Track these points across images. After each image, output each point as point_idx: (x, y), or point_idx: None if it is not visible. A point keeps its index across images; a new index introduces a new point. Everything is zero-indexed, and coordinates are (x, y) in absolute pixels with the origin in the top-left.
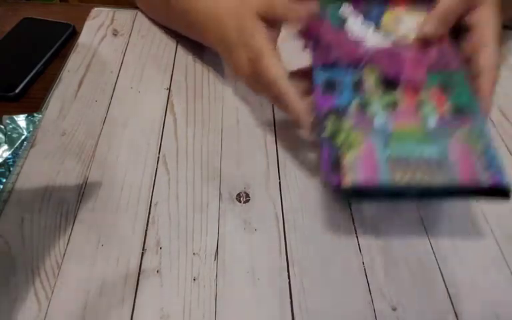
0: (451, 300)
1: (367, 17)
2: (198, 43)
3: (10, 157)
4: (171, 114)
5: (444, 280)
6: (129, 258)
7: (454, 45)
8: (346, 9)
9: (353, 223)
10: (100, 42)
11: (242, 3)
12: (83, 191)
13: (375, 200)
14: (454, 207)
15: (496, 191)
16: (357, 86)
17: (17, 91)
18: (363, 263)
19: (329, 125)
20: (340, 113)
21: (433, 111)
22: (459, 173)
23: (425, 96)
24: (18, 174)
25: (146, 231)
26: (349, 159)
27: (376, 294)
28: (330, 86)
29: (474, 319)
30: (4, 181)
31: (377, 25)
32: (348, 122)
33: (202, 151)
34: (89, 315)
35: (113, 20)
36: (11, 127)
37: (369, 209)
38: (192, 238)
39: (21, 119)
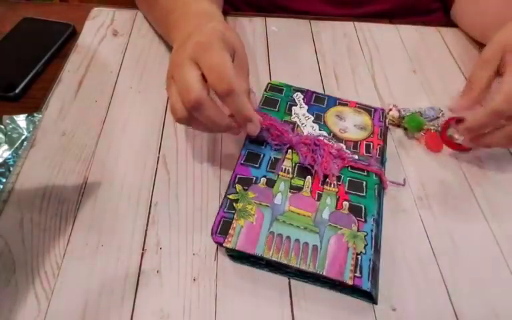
0: (450, 300)
1: (313, 107)
2: None
3: (10, 156)
4: (170, 114)
5: (444, 280)
6: (129, 258)
7: (382, 151)
8: (297, 96)
9: None
10: (100, 42)
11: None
12: (82, 191)
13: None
14: (453, 207)
15: (360, 291)
16: (274, 165)
17: (17, 91)
18: None
19: (236, 191)
20: (249, 183)
21: (331, 204)
22: (327, 266)
23: (331, 189)
24: (18, 174)
25: (146, 231)
26: (237, 225)
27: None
28: (251, 158)
29: (474, 319)
30: (4, 180)
31: (319, 118)
32: (251, 193)
33: (202, 150)
34: (89, 315)
35: (112, 20)
36: (10, 127)
37: None
38: (192, 238)
39: (21, 119)
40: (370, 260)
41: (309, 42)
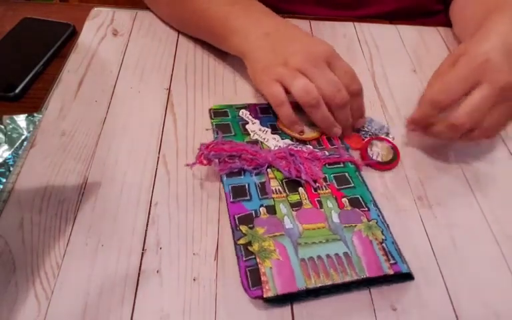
0: (451, 300)
1: (264, 119)
2: (198, 44)
3: (10, 156)
4: (170, 114)
5: (444, 280)
6: (129, 258)
7: (341, 139)
8: (243, 114)
9: None
10: (100, 42)
11: None
12: (82, 191)
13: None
14: (453, 207)
15: (400, 275)
16: (263, 190)
17: (16, 91)
18: None
19: (243, 233)
20: (251, 220)
21: (334, 206)
22: (366, 267)
23: (325, 192)
24: (18, 174)
25: (146, 231)
26: (266, 268)
27: (376, 294)
28: (238, 193)
29: (474, 319)
30: (4, 180)
31: (274, 128)
32: (260, 229)
33: None
34: (89, 315)
35: (112, 20)
36: (11, 127)
37: None
38: (192, 238)
39: (21, 119)
40: (393, 243)
41: None
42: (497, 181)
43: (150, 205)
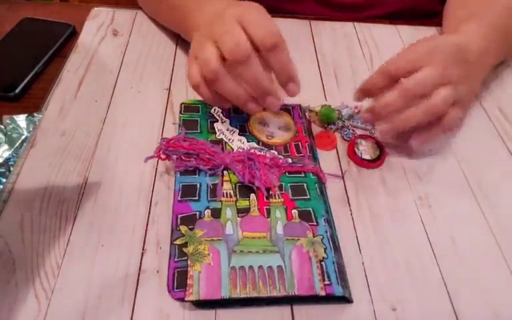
0: (450, 300)
1: (235, 119)
2: None
3: (10, 156)
4: (170, 114)
5: (444, 280)
6: (129, 258)
7: (311, 148)
8: (215, 111)
9: (353, 225)
10: (100, 42)
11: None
12: (82, 191)
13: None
14: (453, 207)
15: (334, 297)
16: (213, 192)
17: (16, 91)
18: (363, 263)
19: (182, 234)
20: (193, 221)
21: (282, 217)
22: (297, 284)
23: (277, 200)
24: (18, 174)
25: (146, 231)
26: (194, 272)
27: (376, 294)
28: (188, 192)
29: (474, 318)
30: (4, 180)
31: (243, 129)
32: (199, 231)
33: None
34: (89, 315)
35: (112, 20)
36: (11, 127)
37: (367, 211)
38: None
39: (21, 119)
40: (334, 263)
41: (309, 42)
42: (497, 181)
43: (150, 205)
